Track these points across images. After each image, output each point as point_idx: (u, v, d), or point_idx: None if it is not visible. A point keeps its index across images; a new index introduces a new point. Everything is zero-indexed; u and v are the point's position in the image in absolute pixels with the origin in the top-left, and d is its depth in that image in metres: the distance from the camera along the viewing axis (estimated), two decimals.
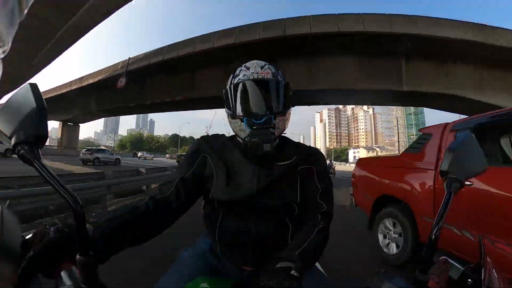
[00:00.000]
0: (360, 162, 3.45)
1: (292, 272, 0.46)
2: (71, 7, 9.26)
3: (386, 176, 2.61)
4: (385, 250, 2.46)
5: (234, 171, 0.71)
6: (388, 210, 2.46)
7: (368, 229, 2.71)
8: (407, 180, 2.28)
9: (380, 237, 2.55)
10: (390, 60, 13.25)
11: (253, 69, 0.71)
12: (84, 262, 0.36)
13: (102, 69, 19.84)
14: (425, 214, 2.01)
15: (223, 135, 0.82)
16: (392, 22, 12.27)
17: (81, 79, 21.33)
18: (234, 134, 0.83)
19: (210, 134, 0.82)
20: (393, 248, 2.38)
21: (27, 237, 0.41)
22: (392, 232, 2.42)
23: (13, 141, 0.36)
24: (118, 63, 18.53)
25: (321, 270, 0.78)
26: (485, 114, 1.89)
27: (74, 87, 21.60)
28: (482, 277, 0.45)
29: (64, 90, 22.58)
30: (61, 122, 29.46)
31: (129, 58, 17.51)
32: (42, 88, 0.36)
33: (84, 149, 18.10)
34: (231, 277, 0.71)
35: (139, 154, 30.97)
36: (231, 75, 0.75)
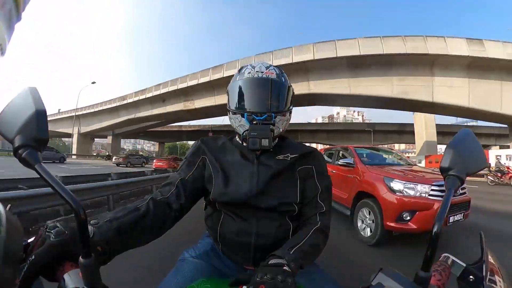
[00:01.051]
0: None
1: (285, 268, 0.47)
2: None
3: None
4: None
5: (234, 172, 0.71)
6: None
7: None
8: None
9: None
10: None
11: (258, 68, 0.73)
12: (86, 264, 0.36)
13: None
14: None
15: (222, 136, 0.82)
16: (384, 42, 15.28)
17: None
18: (232, 136, 0.83)
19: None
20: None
21: (29, 240, 0.41)
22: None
23: (14, 144, 0.36)
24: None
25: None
26: (332, 147, 5.03)
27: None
28: (484, 273, 0.45)
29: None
30: (112, 136, 37.67)
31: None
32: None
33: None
34: (233, 277, 0.71)
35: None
36: (237, 73, 0.77)
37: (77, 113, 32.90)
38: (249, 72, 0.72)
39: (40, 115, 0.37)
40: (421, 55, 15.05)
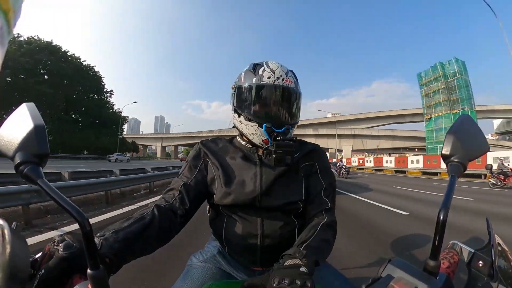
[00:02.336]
0: None
1: (302, 269, 0.45)
2: None
3: None
4: None
5: (237, 174, 0.71)
6: None
7: None
8: None
9: None
10: None
11: (278, 74, 0.69)
12: (95, 276, 0.36)
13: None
14: None
15: (223, 138, 0.82)
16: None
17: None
18: (232, 137, 0.82)
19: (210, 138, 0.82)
20: None
21: (36, 256, 0.41)
22: None
23: (15, 161, 0.35)
24: None
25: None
26: None
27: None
28: (493, 258, 0.45)
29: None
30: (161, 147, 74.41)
31: None
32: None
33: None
34: (241, 279, 0.71)
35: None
36: (250, 71, 0.71)
37: (160, 136, 75.26)
38: (269, 77, 0.68)
39: (39, 131, 0.37)
40: None
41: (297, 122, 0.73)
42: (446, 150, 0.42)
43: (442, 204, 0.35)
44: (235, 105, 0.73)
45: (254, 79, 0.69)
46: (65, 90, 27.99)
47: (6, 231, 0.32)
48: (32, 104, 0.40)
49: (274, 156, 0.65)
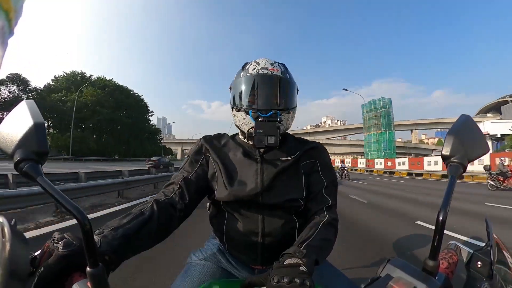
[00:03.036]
0: None
1: (301, 268, 0.45)
2: None
3: None
4: None
5: (238, 170, 0.70)
6: None
7: None
8: None
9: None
10: None
11: (263, 65, 0.72)
12: (94, 273, 0.36)
13: None
14: None
15: (225, 134, 0.81)
16: None
17: None
18: (235, 133, 0.82)
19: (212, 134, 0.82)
20: None
21: (35, 253, 0.41)
22: None
23: (14, 159, 0.36)
24: None
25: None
26: None
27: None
28: (492, 258, 0.45)
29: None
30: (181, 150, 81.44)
31: None
32: None
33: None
34: (241, 277, 0.71)
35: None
36: (240, 69, 0.75)
37: (180, 141, 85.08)
38: (254, 69, 0.71)
39: (39, 128, 0.37)
40: None
41: (289, 109, 0.72)
42: (446, 151, 0.41)
43: (441, 204, 0.35)
44: (230, 102, 0.76)
45: (241, 74, 0.73)
46: (131, 116, 43.24)
47: (5, 228, 0.32)
48: (32, 101, 0.40)
49: (254, 136, 0.65)
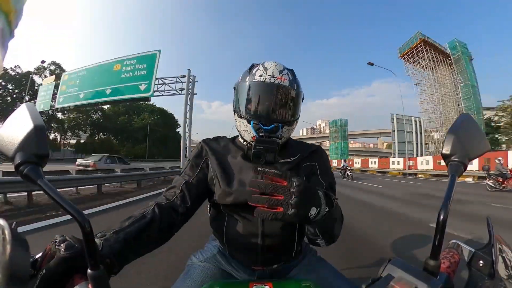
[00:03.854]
0: None
1: (319, 192, 0.50)
2: None
3: None
4: None
5: (237, 173, 0.70)
6: None
7: None
8: None
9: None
10: None
11: (271, 72, 0.68)
12: (95, 276, 0.36)
13: None
14: None
15: (225, 137, 0.82)
16: None
17: None
18: (235, 136, 0.83)
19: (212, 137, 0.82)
20: None
21: (36, 256, 0.41)
22: None
23: (15, 162, 0.36)
24: None
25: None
26: None
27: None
28: (493, 257, 0.45)
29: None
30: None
31: None
32: None
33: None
34: (242, 278, 0.71)
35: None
36: (247, 71, 0.72)
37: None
38: (261, 75, 0.68)
39: (39, 131, 0.37)
40: None
41: (292, 121, 0.71)
42: (446, 150, 0.41)
43: (442, 203, 0.35)
44: (233, 104, 0.74)
45: (247, 78, 0.70)
46: (168, 128, 54.98)
47: (6, 231, 0.32)
48: (31, 104, 0.40)
49: (252, 151, 0.63)
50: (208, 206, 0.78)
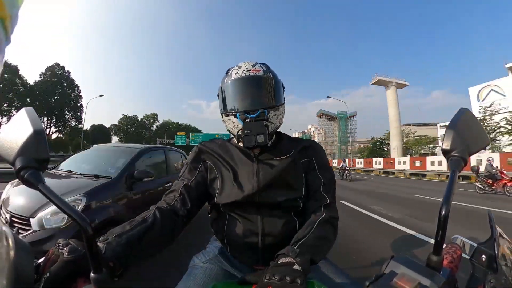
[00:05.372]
0: None
1: (295, 266, 0.46)
2: None
3: None
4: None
5: (234, 173, 0.71)
6: None
7: None
8: None
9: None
10: None
11: (244, 68, 0.72)
12: (98, 279, 0.37)
13: None
14: None
15: (221, 139, 0.82)
16: None
17: None
18: (230, 138, 0.83)
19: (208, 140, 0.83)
20: None
21: (39, 261, 0.41)
22: None
23: (15, 167, 0.36)
24: None
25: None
26: None
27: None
28: (495, 251, 0.45)
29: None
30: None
31: None
32: None
33: None
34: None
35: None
36: (225, 75, 0.76)
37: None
38: (236, 73, 0.72)
39: (38, 135, 0.37)
40: None
41: (275, 105, 0.72)
42: (446, 145, 0.41)
43: (443, 199, 0.35)
44: (220, 108, 0.76)
45: (225, 80, 0.74)
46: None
47: (9, 238, 0.32)
48: (31, 109, 0.40)
49: (243, 137, 0.66)
50: (208, 208, 0.78)
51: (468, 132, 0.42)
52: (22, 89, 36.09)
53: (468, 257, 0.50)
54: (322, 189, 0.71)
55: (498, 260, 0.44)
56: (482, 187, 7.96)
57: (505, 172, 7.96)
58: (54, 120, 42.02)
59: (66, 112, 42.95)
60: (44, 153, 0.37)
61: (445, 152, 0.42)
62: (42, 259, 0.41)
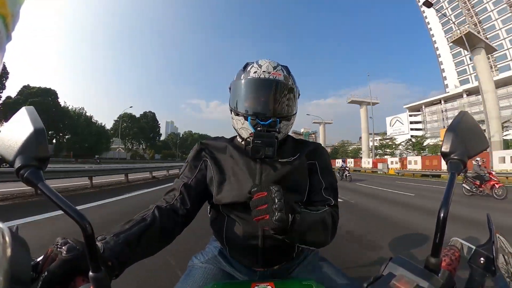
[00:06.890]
0: None
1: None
2: None
3: None
4: None
5: (236, 173, 0.70)
6: None
7: None
8: None
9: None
10: None
11: (265, 68, 0.69)
12: (97, 278, 0.36)
13: None
14: None
15: (223, 137, 0.81)
16: None
17: None
18: (233, 137, 0.82)
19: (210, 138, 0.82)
20: None
21: (38, 259, 0.41)
22: None
23: (15, 166, 0.35)
24: None
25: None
26: None
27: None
28: (494, 254, 0.45)
29: None
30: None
31: None
32: None
33: None
34: (243, 279, 0.71)
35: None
36: (241, 70, 0.72)
37: None
38: (255, 72, 0.68)
39: (39, 134, 0.37)
40: None
41: (289, 116, 0.71)
42: (445, 148, 0.41)
43: (442, 201, 0.35)
44: (229, 103, 0.74)
45: (242, 76, 0.71)
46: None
47: (6, 235, 0.32)
48: (31, 107, 0.40)
49: (250, 146, 0.63)
50: (208, 207, 0.77)
51: (468, 135, 0.42)
52: None
53: (466, 259, 0.50)
54: (325, 192, 0.70)
55: (497, 263, 0.44)
56: (469, 188, 7.60)
57: (493, 173, 7.64)
58: None
59: None
60: (45, 152, 0.37)
61: (444, 155, 0.42)
62: (41, 257, 0.41)
